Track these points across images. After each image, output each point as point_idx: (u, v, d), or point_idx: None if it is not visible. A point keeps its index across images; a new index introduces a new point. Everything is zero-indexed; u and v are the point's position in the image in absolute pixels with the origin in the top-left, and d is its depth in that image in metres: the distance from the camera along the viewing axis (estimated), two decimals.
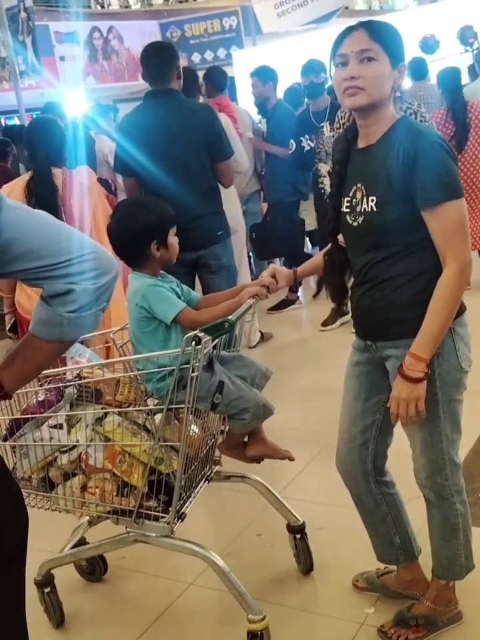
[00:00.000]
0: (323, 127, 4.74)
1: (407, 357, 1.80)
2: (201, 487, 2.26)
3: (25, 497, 2.17)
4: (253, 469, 2.42)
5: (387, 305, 1.87)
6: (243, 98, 7.97)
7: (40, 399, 2.18)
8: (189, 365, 1.91)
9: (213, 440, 2.33)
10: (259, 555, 2.59)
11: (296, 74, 5.70)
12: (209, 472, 2.35)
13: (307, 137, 5.15)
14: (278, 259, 6.14)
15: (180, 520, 2.09)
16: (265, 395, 2.23)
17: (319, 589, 2.41)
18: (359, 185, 1.87)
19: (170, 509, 2.06)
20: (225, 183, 3.59)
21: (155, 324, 2.13)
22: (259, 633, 2.01)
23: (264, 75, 5.59)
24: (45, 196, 3.23)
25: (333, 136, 4.85)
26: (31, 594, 2.27)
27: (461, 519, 2.00)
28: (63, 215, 3.26)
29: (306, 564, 2.44)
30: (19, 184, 3.38)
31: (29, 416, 2.16)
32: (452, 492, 1.98)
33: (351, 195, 1.90)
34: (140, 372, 2.07)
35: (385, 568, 2.28)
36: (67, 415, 2.12)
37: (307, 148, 5.14)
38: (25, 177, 3.42)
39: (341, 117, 3.78)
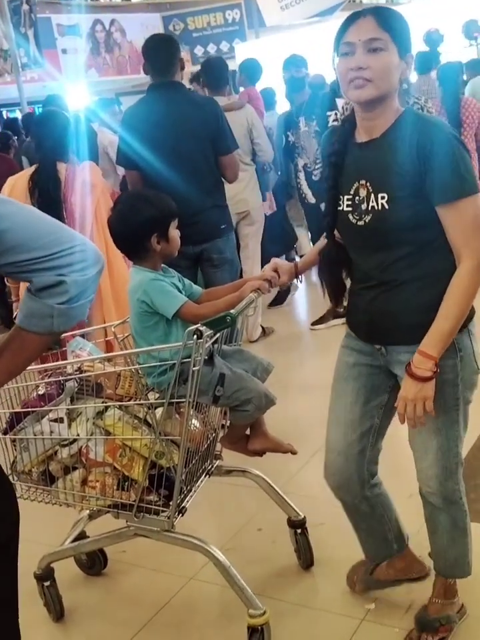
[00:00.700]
0: (299, 121, 4.73)
1: (416, 355, 1.72)
2: (201, 481, 2.25)
3: (25, 491, 2.18)
4: (254, 463, 2.41)
5: (407, 309, 1.78)
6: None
7: (40, 392, 2.17)
8: (190, 359, 1.90)
9: (213, 434, 2.32)
10: (260, 549, 2.59)
11: None
12: (210, 466, 2.34)
13: (291, 131, 5.17)
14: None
15: (180, 514, 2.08)
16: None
17: (319, 584, 2.41)
18: (363, 182, 1.76)
19: (170, 503, 2.05)
20: (229, 177, 3.57)
21: (156, 318, 2.12)
22: (260, 628, 2.01)
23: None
24: (47, 189, 3.22)
25: (307, 131, 4.86)
26: (31, 587, 2.28)
27: (468, 519, 1.99)
28: (64, 211, 3.25)
29: (306, 559, 2.44)
30: (23, 177, 3.36)
31: (30, 409, 2.15)
32: (461, 494, 1.95)
33: (352, 192, 1.79)
34: (141, 366, 2.06)
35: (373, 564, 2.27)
36: (68, 409, 2.11)
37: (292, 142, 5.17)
38: (30, 170, 3.40)
39: (344, 109, 3.74)
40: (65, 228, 1.36)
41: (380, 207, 1.71)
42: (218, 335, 2.04)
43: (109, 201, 3.35)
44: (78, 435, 2.08)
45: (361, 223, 1.77)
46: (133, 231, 2.13)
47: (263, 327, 4.95)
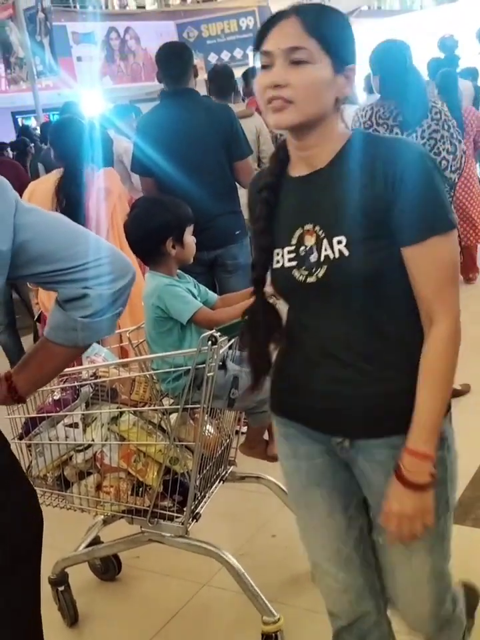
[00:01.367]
0: None
1: (406, 457, 1.30)
2: (215, 487, 2.25)
3: (40, 495, 2.19)
4: (268, 469, 2.41)
5: (384, 391, 1.34)
6: None
7: (56, 397, 2.18)
8: (204, 365, 1.90)
9: (227, 440, 2.32)
10: (273, 556, 2.58)
11: None
12: (224, 472, 2.34)
13: None
14: None
15: (194, 520, 2.08)
16: None
17: None
18: (309, 227, 1.33)
19: (184, 509, 2.05)
20: (244, 183, 3.58)
21: (171, 324, 2.12)
22: (274, 634, 2.00)
23: None
24: (76, 196, 3.23)
25: None
26: (45, 592, 2.27)
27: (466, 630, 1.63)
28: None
29: None
30: (45, 184, 3.37)
31: (45, 414, 2.16)
32: (460, 608, 1.58)
33: (294, 242, 1.36)
34: (155, 371, 2.07)
35: None
36: (83, 414, 2.12)
37: None
38: (50, 176, 3.42)
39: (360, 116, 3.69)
40: (91, 238, 1.33)
41: (337, 255, 1.29)
42: (232, 340, 2.04)
43: (126, 207, 3.36)
44: (93, 440, 2.09)
45: (311, 279, 1.32)
46: (148, 235, 2.14)
47: None
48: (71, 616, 2.35)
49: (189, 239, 2.19)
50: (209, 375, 1.90)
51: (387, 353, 1.34)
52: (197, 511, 2.10)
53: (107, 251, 1.32)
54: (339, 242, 1.29)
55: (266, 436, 2.33)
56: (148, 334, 2.18)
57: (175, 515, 2.07)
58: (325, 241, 1.31)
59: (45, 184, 3.37)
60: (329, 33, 1.27)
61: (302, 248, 1.35)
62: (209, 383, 1.92)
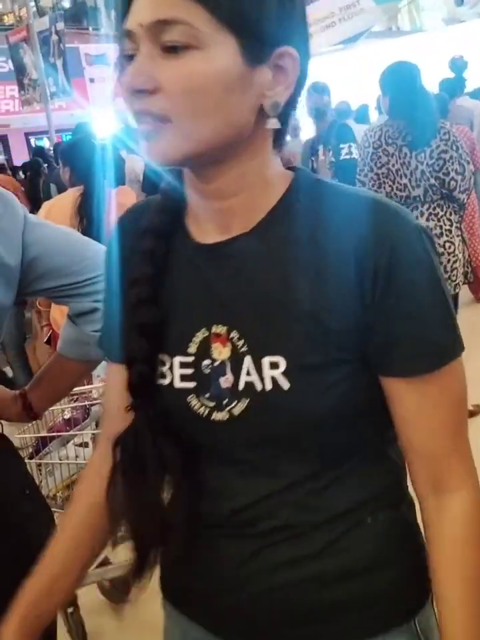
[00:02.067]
0: (319, 149, 4.76)
1: None
2: None
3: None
4: None
5: (322, 574, 0.83)
6: None
7: (66, 417, 2.19)
8: None
9: None
10: None
11: None
12: None
13: (313, 158, 5.22)
14: None
15: None
16: None
17: None
18: (220, 330, 0.81)
19: None
20: None
21: None
22: None
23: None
24: (97, 215, 3.25)
25: (324, 160, 4.87)
26: None
27: None
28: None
29: None
30: (62, 201, 3.40)
31: (55, 434, 2.16)
32: None
33: (192, 349, 0.82)
34: None
35: None
36: (93, 434, 2.12)
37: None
38: (67, 196, 3.44)
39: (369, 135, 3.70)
40: (100, 251, 1.33)
41: (269, 385, 0.78)
42: None
43: None
44: None
45: (220, 416, 0.81)
46: None
47: None
48: (80, 637, 2.34)
49: None
50: None
51: (337, 522, 0.83)
52: None
53: None
54: (273, 365, 0.77)
55: None
56: None
57: None
58: (249, 360, 0.78)
59: (62, 202, 3.40)
60: None
61: (205, 362, 0.81)
62: None
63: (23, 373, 4.63)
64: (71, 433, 2.14)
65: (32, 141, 14.65)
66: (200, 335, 0.82)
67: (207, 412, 0.81)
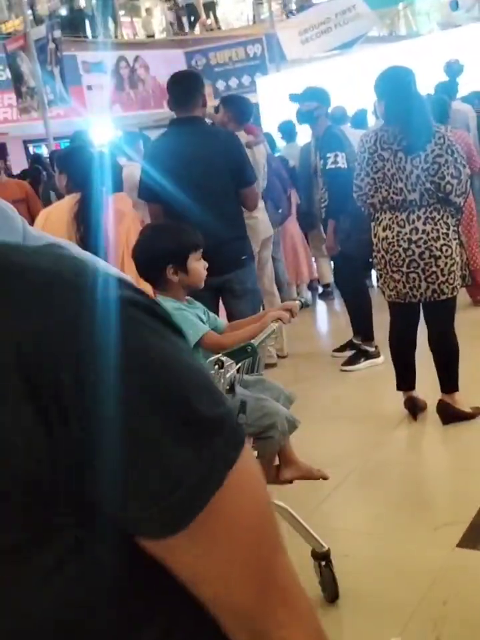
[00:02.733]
0: (315, 154, 4.78)
1: None
2: None
3: None
4: (278, 494, 2.40)
5: None
6: (267, 123, 8.06)
7: None
8: None
9: None
10: None
11: None
12: None
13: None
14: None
15: None
16: None
17: (344, 617, 2.38)
18: None
19: None
20: (250, 207, 3.66)
21: None
22: None
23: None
24: (95, 222, 3.25)
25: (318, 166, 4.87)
26: None
27: None
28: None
29: (331, 592, 2.41)
30: (59, 208, 3.40)
31: None
32: None
33: None
34: None
35: None
36: None
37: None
38: (65, 203, 3.45)
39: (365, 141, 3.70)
40: (100, 261, 1.35)
41: None
42: (239, 364, 2.05)
43: (140, 230, 3.42)
44: None
45: None
46: (149, 260, 2.19)
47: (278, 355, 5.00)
48: None
49: (195, 265, 2.21)
50: None
51: None
52: None
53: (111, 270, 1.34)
54: None
55: (276, 461, 2.33)
56: None
57: None
58: None
59: (59, 210, 3.41)
60: None
61: None
62: None
63: None
64: None
65: (30, 148, 14.68)
66: None
67: None
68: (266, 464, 2.31)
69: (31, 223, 1.48)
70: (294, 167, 5.93)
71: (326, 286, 6.57)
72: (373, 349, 4.63)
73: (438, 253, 3.25)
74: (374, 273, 4.60)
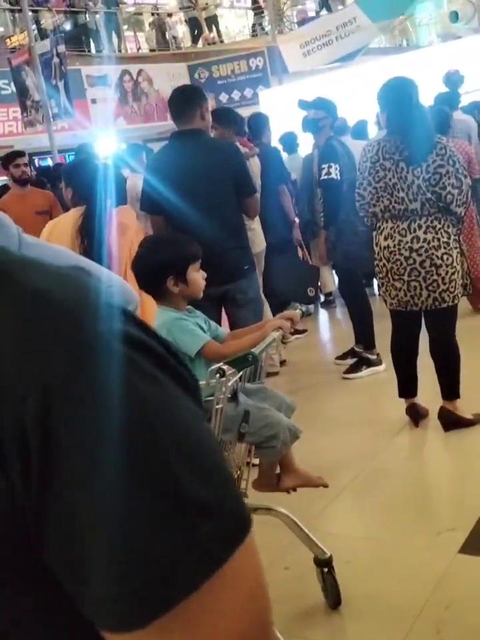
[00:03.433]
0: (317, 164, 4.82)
1: None
2: None
3: None
4: (280, 501, 2.42)
5: None
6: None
7: None
8: (212, 398, 1.93)
9: (238, 472, 2.34)
10: (286, 588, 2.57)
11: None
12: None
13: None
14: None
15: None
16: None
17: (347, 623, 2.39)
18: None
19: None
20: (251, 216, 3.74)
21: None
22: None
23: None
24: (99, 234, 3.28)
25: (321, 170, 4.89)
26: None
27: None
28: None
29: (334, 598, 2.42)
30: (64, 220, 3.43)
31: None
32: None
33: None
34: None
35: None
36: None
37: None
38: (69, 215, 3.48)
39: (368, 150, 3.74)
40: (103, 268, 1.39)
41: None
42: (241, 372, 2.07)
43: None
44: None
45: None
46: (149, 271, 2.21)
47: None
48: None
49: (194, 276, 2.23)
50: (217, 407, 1.93)
51: None
52: None
53: (107, 278, 1.38)
54: None
55: (277, 469, 2.34)
56: None
57: None
58: None
59: (64, 222, 3.44)
60: None
61: None
62: (217, 416, 1.94)
63: None
64: None
65: (35, 161, 14.78)
66: None
67: None
68: (267, 474, 2.33)
69: None
70: (295, 180, 5.96)
71: (328, 295, 6.60)
72: (374, 357, 4.65)
73: (439, 262, 3.28)
74: (376, 282, 4.62)
